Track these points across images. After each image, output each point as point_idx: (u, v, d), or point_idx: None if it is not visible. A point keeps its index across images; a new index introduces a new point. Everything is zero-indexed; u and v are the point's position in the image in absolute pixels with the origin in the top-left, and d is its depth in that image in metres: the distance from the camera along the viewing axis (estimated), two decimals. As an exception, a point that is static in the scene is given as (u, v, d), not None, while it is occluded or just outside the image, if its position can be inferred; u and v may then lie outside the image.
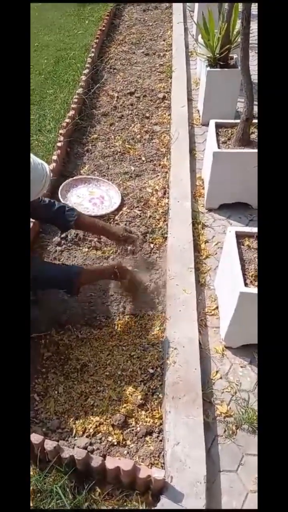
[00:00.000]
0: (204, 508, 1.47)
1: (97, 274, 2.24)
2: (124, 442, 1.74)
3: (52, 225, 2.48)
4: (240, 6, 2.34)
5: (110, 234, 2.39)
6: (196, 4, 4.71)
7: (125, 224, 2.69)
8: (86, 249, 2.57)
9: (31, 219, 2.51)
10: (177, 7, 5.72)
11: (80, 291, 2.13)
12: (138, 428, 1.77)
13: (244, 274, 1.83)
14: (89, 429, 1.77)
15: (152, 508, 1.52)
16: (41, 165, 1.85)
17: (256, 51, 4.41)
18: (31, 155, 1.80)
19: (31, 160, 1.78)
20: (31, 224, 2.52)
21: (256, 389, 1.88)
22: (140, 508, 1.53)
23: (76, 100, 3.72)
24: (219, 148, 2.57)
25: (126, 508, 1.54)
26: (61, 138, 3.24)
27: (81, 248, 2.59)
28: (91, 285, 2.32)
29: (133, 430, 1.77)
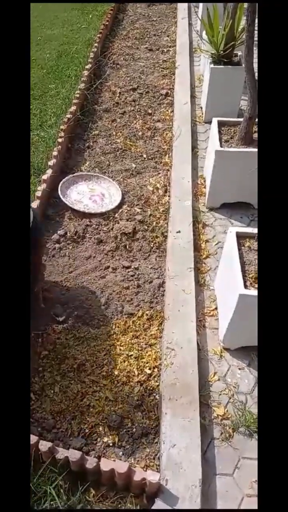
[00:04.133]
0: None
1: None
2: (119, 443, 1.73)
3: None
4: (246, 3, 2.30)
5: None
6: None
7: (126, 221, 2.67)
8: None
9: None
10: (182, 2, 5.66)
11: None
12: (134, 429, 1.76)
13: (244, 276, 1.81)
14: (84, 430, 1.76)
15: (148, 508, 1.50)
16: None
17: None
18: None
19: None
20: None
21: (254, 391, 1.86)
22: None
23: (78, 95, 3.68)
24: (221, 146, 2.54)
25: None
26: (62, 134, 3.21)
27: (81, 245, 2.57)
28: (88, 284, 2.31)
29: (129, 431, 1.76)
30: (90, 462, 1.53)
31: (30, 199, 2.66)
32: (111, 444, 1.73)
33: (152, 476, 1.47)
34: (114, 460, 1.54)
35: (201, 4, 4.63)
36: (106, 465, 1.51)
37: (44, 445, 1.53)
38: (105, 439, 1.73)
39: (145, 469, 1.61)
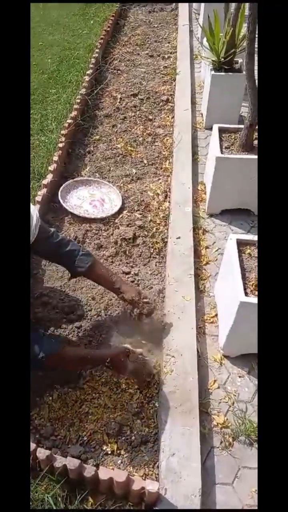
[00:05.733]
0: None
1: (76, 361, 1.85)
2: (118, 452, 1.71)
3: (59, 265, 2.18)
4: (247, 10, 2.31)
5: (120, 292, 2.04)
6: (202, 6, 4.68)
7: (126, 226, 2.67)
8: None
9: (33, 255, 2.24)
10: (183, 9, 5.70)
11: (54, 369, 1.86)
12: (133, 437, 1.74)
13: (244, 283, 1.80)
14: (83, 437, 1.74)
15: (149, 508, 1.49)
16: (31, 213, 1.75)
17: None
18: None
19: None
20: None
21: (254, 400, 1.85)
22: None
23: (78, 100, 3.69)
24: (222, 153, 2.54)
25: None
26: (63, 139, 3.21)
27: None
28: (88, 289, 2.30)
29: (128, 439, 1.74)
30: (89, 471, 1.51)
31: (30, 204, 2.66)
32: (109, 452, 1.71)
33: (151, 486, 1.45)
34: (113, 469, 1.52)
35: (202, 11, 4.67)
36: (104, 473, 1.49)
37: (42, 453, 1.52)
38: (104, 447, 1.71)
39: (144, 478, 1.59)
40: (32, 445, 1.54)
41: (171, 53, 4.80)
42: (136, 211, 2.82)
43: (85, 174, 3.14)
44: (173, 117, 3.69)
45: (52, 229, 1.97)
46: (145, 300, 2.05)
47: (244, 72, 3.02)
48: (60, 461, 1.52)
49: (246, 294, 1.76)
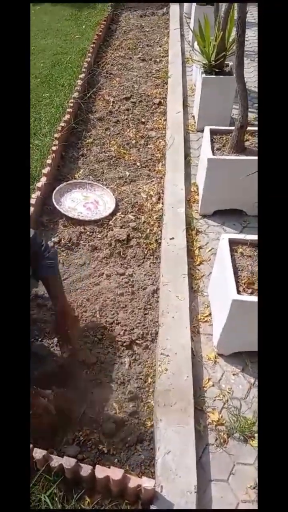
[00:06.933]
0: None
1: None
2: (114, 451, 1.72)
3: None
4: (236, 14, 2.35)
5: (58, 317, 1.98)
6: (193, 11, 4.73)
7: (120, 228, 2.69)
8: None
9: None
10: (174, 13, 5.76)
11: None
12: (129, 436, 1.75)
13: (237, 282, 1.83)
14: (79, 437, 1.75)
15: (146, 508, 1.50)
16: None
17: (251, 59, 4.45)
18: None
19: None
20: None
21: (248, 397, 1.87)
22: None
23: (71, 104, 3.72)
24: (213, 154, 2.57)
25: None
26: (56, 142, 3.23)
27: (75, 252, 2.58)
28: (83, 291, 2.31)
29: (123, 438, 1.75)
30: (85, 470, 1.52)
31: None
32: (105, 452, 1.72)
33: (147, 483, 1.46)
34: (109, 467, 1.53)
35: (192, 15, 4.72)
36: (101, 472, 1.50)
37: (39, 453, 1.52)
38: (100, 447, 1.73)
39: (140, 476, 1.60)
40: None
41: (162, 56, 4.85)
42: (130, 212, 2.84)
43: (78, 176, 3.16)
44: (165, 119, 3.73)
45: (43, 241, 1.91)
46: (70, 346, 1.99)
47: (234, 75, 3.07)
48: (56, 461, 1.53)
49: (238, 292, 1.78)
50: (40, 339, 2.09)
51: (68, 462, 1.51)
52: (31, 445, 1.55)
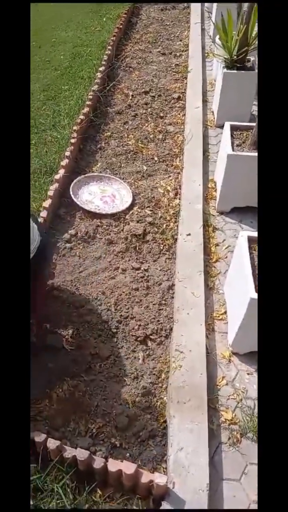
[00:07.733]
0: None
1: None
2: (126, 445, 1.72)
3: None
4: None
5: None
6: (214, 5, 4.66)
7: (137, 222, 2.68)
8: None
9: None
10: (195, 7, 5.69)
11: None
12: (142, 431, 1.75)
13: (255, 280, 1.80)
14: (92, 430, 1.76)
15: (154, 508, 1.50)
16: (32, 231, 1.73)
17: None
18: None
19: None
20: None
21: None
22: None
23: (91, 97, 3.70)
24: (233, 150, 2.54)
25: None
26: (75, 135, 3.23)
27: (91, 245, 2.58)
28: (98, 284, 2.31)
29: (136, 433, 1.75)
30: (98, 462, 1.53)
31: (40, 202, 2.68)
32: (118, 445, 1.72)
33: (159, 479, 1.46)
34: (122, 461, 1.53)
35: (214, 9, 4.65)
36: (113, 465, 1.51)
37: (53, 443, 1.53)
38: (112, 440, 1.73)
39: (152, 472, 1.60)
40: (43, 436, 1.56)
41: (183, 51, 4.79)
42: (147, 207, 2.83)
43: (96, 170, 3.15)
44: (184, 114, 3.69)
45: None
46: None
47: (256, 70, 3.01)
48: (69, 452, 1.54)
49: (256, 291, 1.75)
50: (55, 331, 2.10)
51: (81, 454, 1.51)
52: (45, 436, 1.56)
